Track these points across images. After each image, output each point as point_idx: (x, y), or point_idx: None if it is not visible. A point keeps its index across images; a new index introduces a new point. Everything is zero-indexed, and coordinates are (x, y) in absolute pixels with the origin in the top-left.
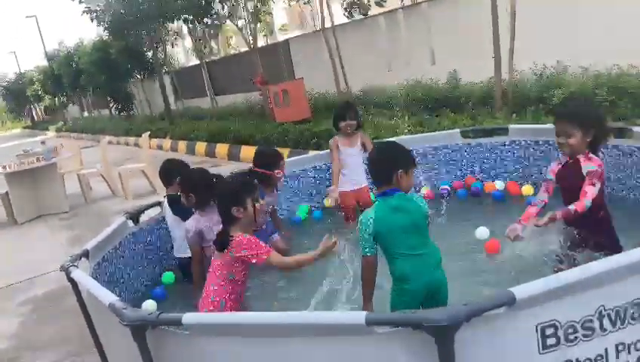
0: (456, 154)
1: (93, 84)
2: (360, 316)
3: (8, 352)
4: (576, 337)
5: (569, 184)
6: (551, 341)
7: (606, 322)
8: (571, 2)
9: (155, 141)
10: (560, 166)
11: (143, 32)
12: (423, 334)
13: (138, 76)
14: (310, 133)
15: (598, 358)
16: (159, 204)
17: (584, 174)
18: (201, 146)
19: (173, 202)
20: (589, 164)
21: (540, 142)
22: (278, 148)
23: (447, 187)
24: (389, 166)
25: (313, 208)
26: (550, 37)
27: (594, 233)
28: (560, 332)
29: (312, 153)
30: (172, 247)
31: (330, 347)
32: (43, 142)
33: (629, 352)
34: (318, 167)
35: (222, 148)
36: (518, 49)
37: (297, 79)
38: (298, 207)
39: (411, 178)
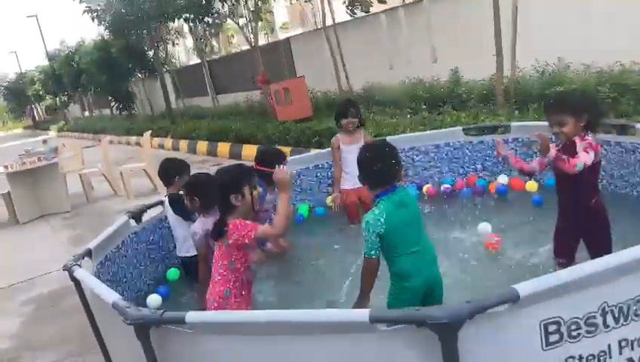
0: (458, 152)
1: (94, 84)
2: (364, 313)
3: (9, 352)
4: (579, 334)
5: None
6: (554, 337)
7: (609, 318)
8: None
9: (156, 140)
10: (556, 149)
11: (143, 32)
12: (426, 331)
13: (139, 75)
14: (312, 131)
15: (602, 354)
16: (161, 203)
17: (578, 150)
18: (202, 145)
19: (174, 202)
20: (585, 143)
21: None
22: (280, 147)
23: (448, 185)
24: (395, 164)
25: (313, 207)
26: (552, 34)
27: (587, 220)
28: (563, 329)
29: (313, 151)
30: (174, 246)
31: (334, 344)
32: (45, 142)
33: (632, 348)
34: (320, 166)
35: (223, 148)
36: (520, 46)
37: (298, 77)
38: (299, 206)
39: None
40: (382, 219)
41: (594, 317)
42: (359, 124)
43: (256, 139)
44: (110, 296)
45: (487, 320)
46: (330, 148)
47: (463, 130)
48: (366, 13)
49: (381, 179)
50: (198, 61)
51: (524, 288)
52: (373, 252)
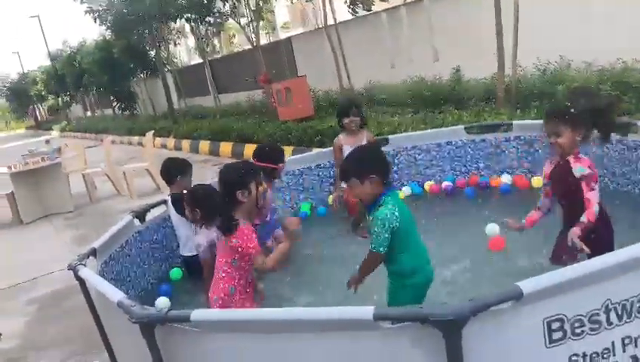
0: (460, 151)
1: (96, 84)
2: (367, 311)
3: (13, 351)
4: (582, 331)
5: (561, 185)
6: (557, 335)
7: (612, 316)
8: None
9: (158, 140)
10: (552, 167)
11: (145, 32)
12: (430, 329)
13: (141, 75)
14: (313, 130)
15: (605, 352)
16: (164, 202)
17: (576, 176)
18: (204, 145)
19: (177, 201)
20: (579, 166)
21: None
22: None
23: (450, 183)
24: (389, 163)
25: (315, 206)
26: (553, 32)
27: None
28: (567, 326)
29: (315, 151)
30: (178, 245)
31: (338, 342)
32: (48, 142)
33: (636, 346)
34: (321, 165)
35: (225, 147)
36: (522, 44)
37: (300, 77)
38: (301, 204)
39: None
40: (396, 214)
41: (597, 314)
42: (362, 124)
43: (258, 139)
44: (115, 294)
45: (490, 318)
46: (331, 148)
47: (465, 128)
48: (367, 12)
49: (387, 176)
50: (200, 61)
51: (527, 286)
52: (382, 248)
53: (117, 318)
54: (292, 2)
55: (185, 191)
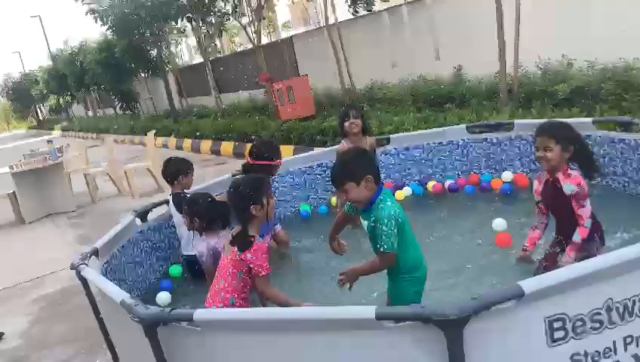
0: (462, 150)
1: (97, 84)
2: (370, 310)
3: (18, 350)
4: (584, 330)
5: (552, 202)
6: (559, 334)
7: (614, 315)
8: None
9: (160, 139)
10: (542, 185)
11: (147, 31)
12: (432, 328)
13: (142, 75)
14: (315, 130)
15: (606, 351)
16: (167, 202)
17: (566, 193)
18: (206, 144)
19: (179, 201)
20: (568, 183)
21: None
22: (283, 145)
23: (453, 182)
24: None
25: (316, 206)
26: (555, 31)
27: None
28: (568, 326)
29: (316, 150)
30: (179, 245)
31: (340, 341)
32: (50, 142)
33: (637, 345)
34: (323, 164)
35: (227, 146)
36: (523, 44)
37: (302, 76)
38: (301, 206)
39: None
40: (397, 210)
41: (599, 313)
42: (363, 128)
43: (260, 138)
44: (118, 294)
45: (492, 317)
46: (333, 147)
47: (467, 127)
48: (368, 11)
49: (378, 176)
50: (201, 60)
51: (528, 285)
52: (395, 246)
53: (120, 318)
54: (293, 2)
55: (186, 191)
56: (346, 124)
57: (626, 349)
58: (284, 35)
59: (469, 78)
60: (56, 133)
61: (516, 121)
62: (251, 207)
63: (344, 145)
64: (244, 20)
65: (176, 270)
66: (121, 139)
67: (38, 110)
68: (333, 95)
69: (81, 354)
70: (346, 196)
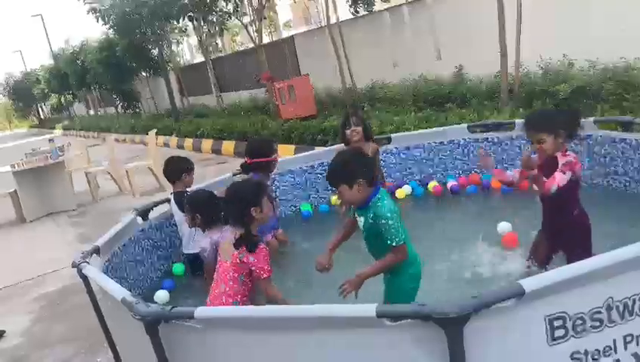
0: (463, 149)
1: (99, 82)
2: (370, 308)
3: (19, 349)
4: (584, 329)
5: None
6: (559, 332)
7: (614, 314)
8: None
9: (161, 138)
10: (537, 164)
11: (148, 30)
12: (432, 326)
13: (144, 74)
14: (316, 129)
15: (607, 349)
16: (168, 200)
17: (560, 163)
18: (207, 143)
19: (180, 200)
20: (565, 159)
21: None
22: (284, 145)
23: (455, 182)
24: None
25: (317, 205)
26: (556, 31)
27: (566, 231)
28: (568, 324)
29: (317, 149)
30: (181, 243)
31: (340, 339)
32: (51, 141)
33: (638, 343)
34: (324, 164)
35: (228, 146)
36: (524, 43)
37: (303, 75)
38: (301, 205)
39: None
40: (394, 206)
41: (599, 312)
42: (365, 135)
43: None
44: (119, 292)
45: (492, 315)
46: (334, 146)
47: (468, 127)
48: (369, 11)
49: (372, 177)
50: (203, 59)
51: (529, 283)
52: (404, 237)
53: (121, 315)
54: (295, 1)
55: (188, 190)
56: (348, 132)
57: (626, 348)
58: (285, 34)
59: (470, 78)
60: (58, 132)
61: (517, 121)
62: (252, 209)
63: None
64: (246, 19)
65: (179, 268)
66: (122, 138)
67: (40, 109)
68: (334, 94)
69: (82, 352)
70: (340, 197)
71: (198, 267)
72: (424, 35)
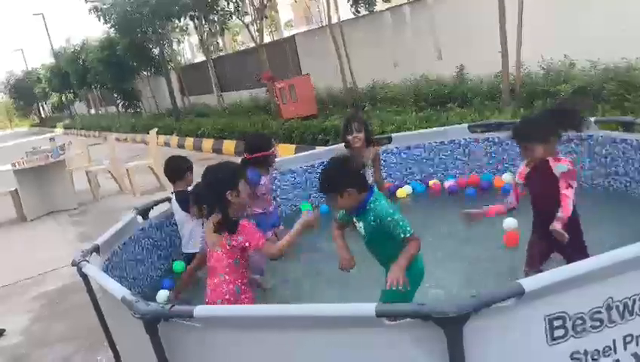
0: (463, 149)
1: (100, 82)
2: (370, 308)
3: (19, 347)
4: (584, 329)
5: (538, 186)
6: (559, 332)
7: (614, 314)
8: None
9: (162, 138)
10: (528, 169)
11: (149, 29)
12: (432, 325)
13: (145, 73)
14: (316, 128)
15: (606, 350)
16: (168, 199)
17: (556, 175)
18: (208, 143)
19: (183, 199)
20: (559, 164)
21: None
22: (285, 144)
23: (453, 182)
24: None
25: (317, 205)
26: (557, 31)
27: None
28: (568, 324)
29: (318, 149)
30: (181, 242)
31: (340, 338)
32: (52, 139)
33: (637, 344)
34: (325, 163)
35: (229, 145)
36: (525, 43)
37: (304, 75)
38: (301, 204)
39: None
40: (390, 203)
41: (599, 312)
42: (367, 140)
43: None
44: (119, 290)
45: (492, 315)
46: (335, 145)
47: (469, 127)
48: (370, 12)
49: (363, 183)
50: (204, 59)
51: (528, 283)
52: (411, 228)
53: (121, 314)
54: (296, 1)
55: (190, 189)
56: (349, 137)
57: (625, 348)
58: (286, 33)
59: (471, 78)
60: (59, 130)
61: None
62: (227, 192)
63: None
64: (247, 19)
65: (179, 266)
66: (123, 137)
67: (41, 108)
68: (335, 94)
69: (81, 351)
70: (333, 205)
71: None
72: (425, 34)
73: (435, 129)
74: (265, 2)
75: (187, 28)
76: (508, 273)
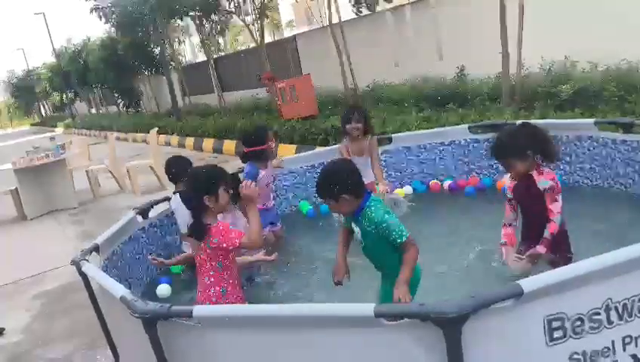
0: (463, 150)
1: (100, 81)
2: (369, 308)
3: (19, 346)
4: (583, 329)
5: (525, 199)
6: (558, 333)
7: (613, 315)
8: None
9: (162, 137)
10: (514, 181)
11: (150, 29)
12: (430, 326)
13: (145, 73)
14: (317, 128)
15: (605, 351)
16: (168, 199)
17: (540, 190)
18: (208, 142)
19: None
20: (542, 180)
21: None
22: (285, 144)
23: (453, 182)
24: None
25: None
26: (558, 32)
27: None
28: (567, 325)
29: (319, 149)
30: (180, 242)
31: (339, 338)
32: (52, 138)
33: (636, 345)
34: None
35: (229, 145)
36: (526, 44)
37: (305, 75)
38: (300, 204)
39: None
40: (386, 207)
41: (598, 313)
42: (365, 131)
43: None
44: (118, 290)
45: (491, 316)
46: (335, 145)
47: (469, 127)
48: (371, 12)
49: (359, 189)
50: (205, 59)
51: (527, 284)
52: (407, 232)
53: (120, 313)
54: (297, 1)
55: None
56: (348, 126)
57: (624, 349)
58: (287, 34)
59: (472, 78)
60: (59, 130)
61: (519, 122)
62: (204, 197)
63: (345, 144)
64: (248, 19)
65: (177, 266)
66: (123, 136)
67: (41, 107)
68: (336, 94)
69: (81, 349)
70: (330, 209)
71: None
72: (426, 35)
73: (435, 129)
74: (266, 2)
75: (187, 28)
76: (507, 273)
